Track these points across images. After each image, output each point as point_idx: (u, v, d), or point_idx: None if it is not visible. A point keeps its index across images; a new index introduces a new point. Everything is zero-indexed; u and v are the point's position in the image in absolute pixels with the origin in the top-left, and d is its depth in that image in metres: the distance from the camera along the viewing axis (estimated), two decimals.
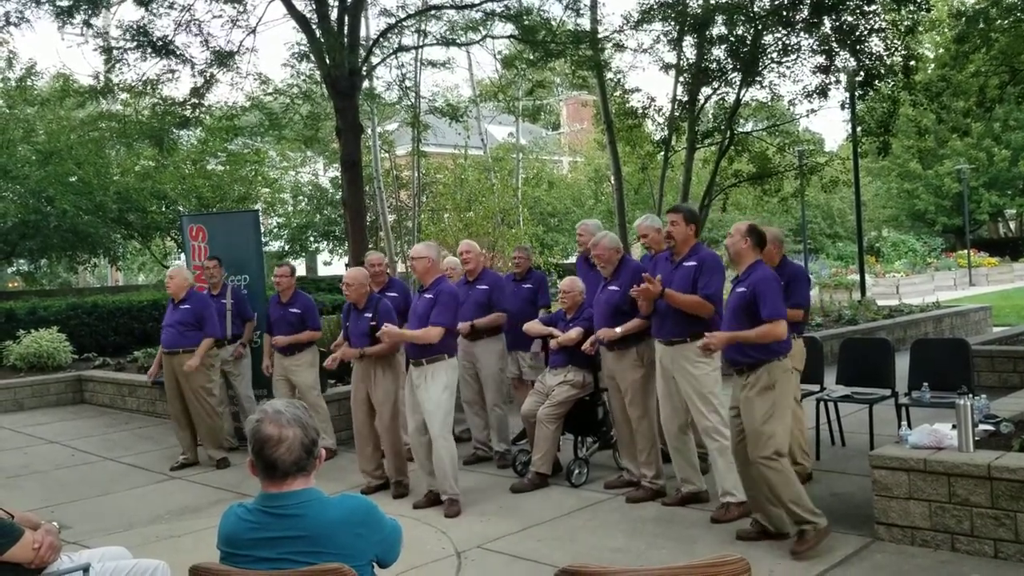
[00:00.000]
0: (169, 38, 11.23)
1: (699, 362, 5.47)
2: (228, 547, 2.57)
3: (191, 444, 7.98)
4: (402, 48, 13.83)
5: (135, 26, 11.01)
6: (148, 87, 11.84)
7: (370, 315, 6.42)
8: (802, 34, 14.16)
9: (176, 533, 5.89)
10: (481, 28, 12.89)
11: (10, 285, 26.31)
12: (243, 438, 7.30)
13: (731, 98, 15.17)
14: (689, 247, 5.56)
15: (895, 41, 14.24)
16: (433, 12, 13.22)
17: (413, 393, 6.11)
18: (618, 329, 5.83)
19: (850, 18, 13.70)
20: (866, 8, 13.62)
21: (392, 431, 6.47)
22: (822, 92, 14.63)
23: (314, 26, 11.01)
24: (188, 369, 7.62)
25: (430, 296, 6.06)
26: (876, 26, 14.01)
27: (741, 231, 5.01)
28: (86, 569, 3.29)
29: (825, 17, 13.57)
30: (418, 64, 18.28)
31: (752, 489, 5.02)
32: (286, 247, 26.91)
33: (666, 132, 15.68)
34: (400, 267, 21.31)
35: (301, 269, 30.09)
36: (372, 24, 15.84)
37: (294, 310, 7.81)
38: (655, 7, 13.83)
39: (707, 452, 5.99)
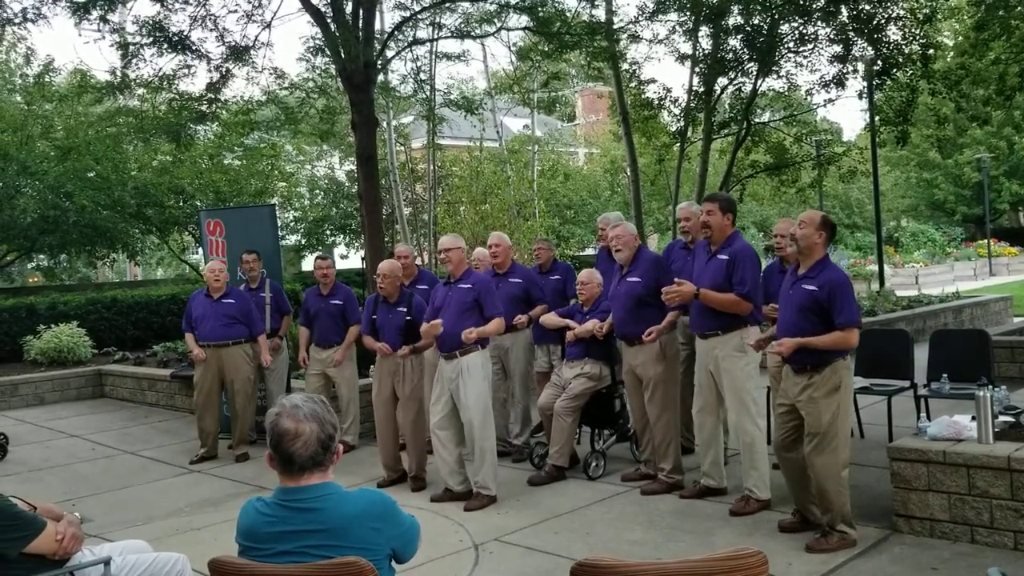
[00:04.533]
0: (185, 33, 11.26)
1: (733, 355, 5.44)
2: (247, 541, 2.59)
3: (214, 437, 8.05)
4: (417, 41, 13.83)
5: (151, 21, 11.05)
6: (164, 82, 11.88)
7: (404, 309, 6.46)
8: (819, 23, 14.08)
9: (196, 526, 5.94)
10: (496, 20, 12.86)
11: (30, 280, 26.49)
12: (262, 431, 7.35)
13: (748, 88, 15.11)
14: (725, 237, 5.51)
15: (913, 29, 14.13)
16: (448, 4, 13.19)
17: (443, 387, 6.09)
18: (652, 332, 5.78)
19: (867, 6, 13.60)
20: None
21: (417, 425, 6.50)
22: (839, 82, 14.55)
23: (329, 20, 11.01)
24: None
25: (467, 286, 6.05)
26: (894, 14, 13.91)
27: (815, 222, 4.70)
28: (107, 562, 3.31)
29: (842, 6, 13.48)
30: (433, 57, 18.29)
31: (801, 489, 4.92)
32: (303, 241, 26.94)
33: (682, 123, 15.61)
34: (417, 260, 21.30)
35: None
36: (387, 17, 15.81)
37: (335, 301, 7.94)
38: None
39: (727, 446, 6.00)
